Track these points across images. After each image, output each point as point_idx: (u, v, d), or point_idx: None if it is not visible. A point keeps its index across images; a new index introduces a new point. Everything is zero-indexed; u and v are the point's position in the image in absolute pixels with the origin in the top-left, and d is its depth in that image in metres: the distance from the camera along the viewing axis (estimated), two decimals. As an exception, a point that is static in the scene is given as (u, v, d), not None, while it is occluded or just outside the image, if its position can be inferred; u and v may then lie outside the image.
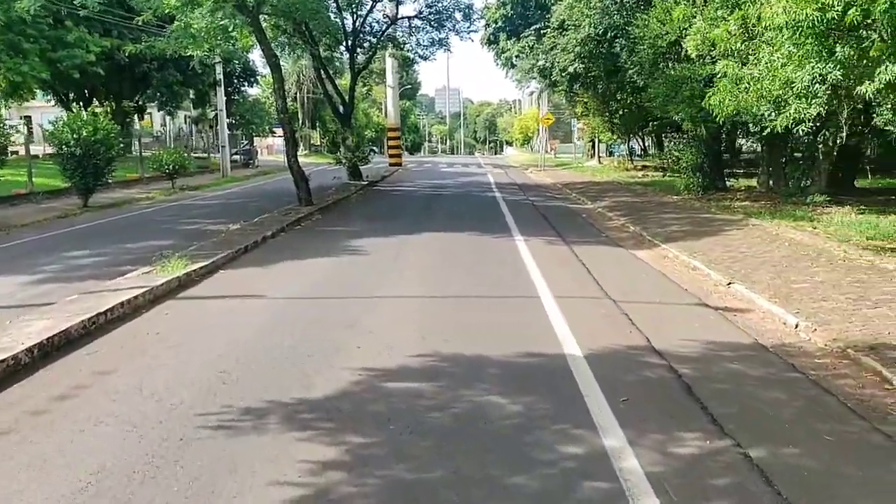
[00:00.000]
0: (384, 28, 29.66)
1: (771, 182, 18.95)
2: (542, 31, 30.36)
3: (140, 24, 19.14)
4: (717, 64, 11.96)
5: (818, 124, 14.05)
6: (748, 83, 10.87)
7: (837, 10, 8.05)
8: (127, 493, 3.63)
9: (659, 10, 17.75)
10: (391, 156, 41.15)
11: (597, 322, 6.91)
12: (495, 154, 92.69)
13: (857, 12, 7.88)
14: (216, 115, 34.27)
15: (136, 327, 6.86)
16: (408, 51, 32.12)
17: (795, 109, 9.95)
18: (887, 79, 8.27)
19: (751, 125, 14.73)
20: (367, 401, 4.85)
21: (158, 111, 44.81)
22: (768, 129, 11.69)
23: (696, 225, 13.35)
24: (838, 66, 8.80)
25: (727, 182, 20.74)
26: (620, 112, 30.71)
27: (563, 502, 3.55)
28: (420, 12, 29.62)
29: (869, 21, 8.14)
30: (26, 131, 37.19)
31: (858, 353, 5.57)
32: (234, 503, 3.55)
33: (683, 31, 14.57)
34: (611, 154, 42.11)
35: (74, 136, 17.70)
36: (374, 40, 29.88)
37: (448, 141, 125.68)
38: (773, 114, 10.92)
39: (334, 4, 26.01)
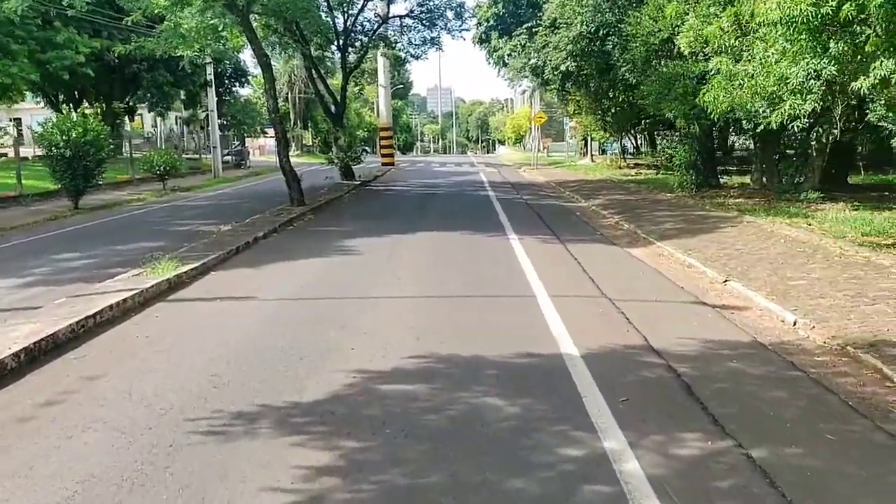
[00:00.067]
0: (376, 27, 29.52)
1: (764, 179, 18.96)
2: (533, 30, 30.30)
3: (129, 24, 18.92)
4: (711, 61, 11.94)
5: (811, 121, 14.04)
6: (742, 79, 10.85)
7: (832, 6, 8.04)
8: (115, 501, 3.55)
9: (651, 7, 17.75)
10: (383, 155, 41.05)
11: (593, 321, 6.84)
12: (488, 153, 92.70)
13: (851, 7, 7.86)
14: (207, 115, 34.05)
15: (125, 330, 6.75)
16: (399, 50, 31.98)
17: (790, 106, 9.93)
18: (882, 74, 8.27)
19: (744, 122, 14.75)
20: (361, 404, 4.76)
21: (149, 112, 44.51)
22: (762, 126, 11.67)
23: (691, 222, 13.32)
24: (833, 61, 8.79)
25: (721, 179, 20.77)
26: (613, 110, 30.68)
27: (563, 506, 3.47)
28: (411, 11, 29.57)
29: (863, 16, 8.12)
30: (15, 133, 37.00)
31: (858, 351, 5.52)
32: (225, 511, 3.46)
33: (676, 29, 14.56)
34: (603, 152, 42.09)
35: (64, 137, 17.47)
36: (365, 39, 29.74)
37: (440, 140, 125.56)
38: (767, 110, 10.90)
39: (325, 3, 25.83)
